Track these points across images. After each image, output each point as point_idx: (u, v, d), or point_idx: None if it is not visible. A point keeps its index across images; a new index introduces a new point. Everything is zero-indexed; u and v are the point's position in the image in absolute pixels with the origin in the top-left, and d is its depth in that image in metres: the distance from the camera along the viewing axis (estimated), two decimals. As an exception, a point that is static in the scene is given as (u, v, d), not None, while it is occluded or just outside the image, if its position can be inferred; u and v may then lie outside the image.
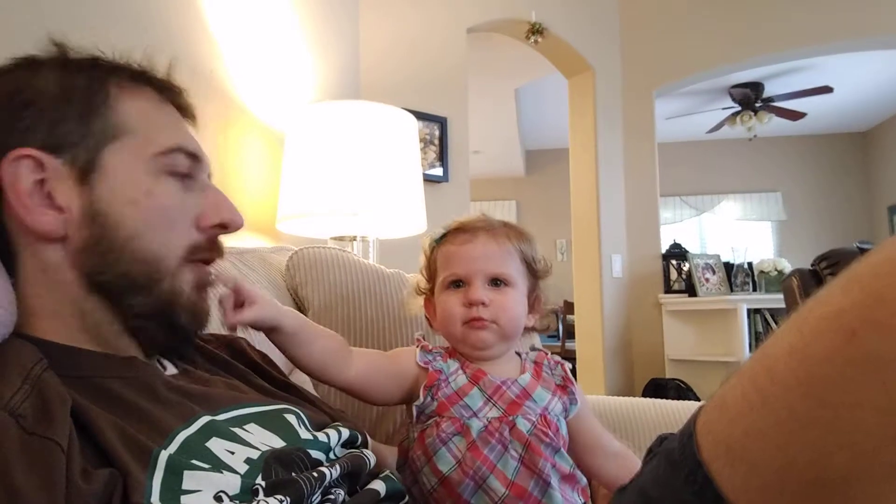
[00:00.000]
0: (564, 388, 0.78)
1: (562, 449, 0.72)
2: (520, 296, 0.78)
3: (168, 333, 0.59)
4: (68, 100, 0.55)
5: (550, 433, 0.72)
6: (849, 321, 0.36)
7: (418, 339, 0.81)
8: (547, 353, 0.83)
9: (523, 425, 0.71)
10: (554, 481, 0.69)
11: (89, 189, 0.54)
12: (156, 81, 0.61)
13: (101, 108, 0.56)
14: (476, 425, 0.70)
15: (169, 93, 0.62)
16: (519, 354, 0.83)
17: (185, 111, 0.64)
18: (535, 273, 0.81)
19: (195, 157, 0.61)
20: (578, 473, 0.74)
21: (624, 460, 0.80)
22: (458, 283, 0.78)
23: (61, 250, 0.54)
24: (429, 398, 0.74)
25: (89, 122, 0.55)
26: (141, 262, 0.55)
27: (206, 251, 0.61)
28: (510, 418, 0.71)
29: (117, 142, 0.56)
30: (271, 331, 0.70)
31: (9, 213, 0.54)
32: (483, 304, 0.75)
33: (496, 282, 0.77)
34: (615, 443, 0.82)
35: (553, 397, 0.76)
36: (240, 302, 0.67)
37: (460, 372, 0.76)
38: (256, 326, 0.69)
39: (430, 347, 0.79)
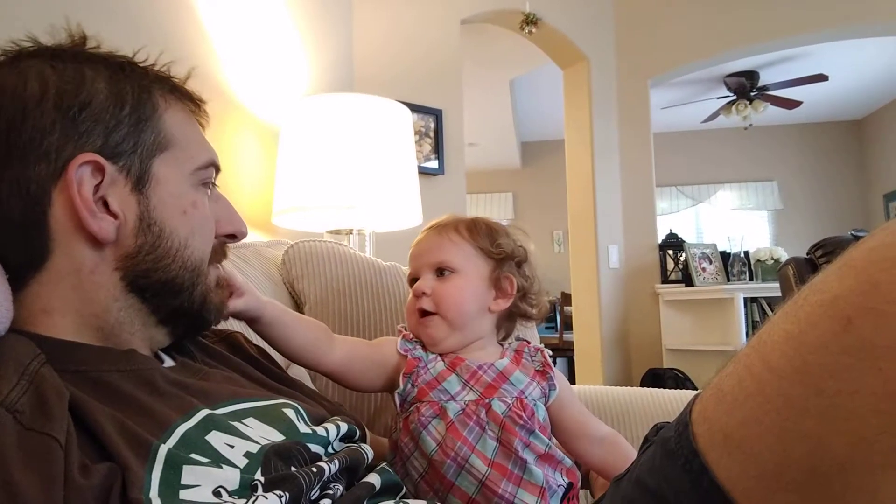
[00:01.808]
0: (543, 373, 0.80)
1: (536, 430, 0.73)
2: (466, 281, 0.80)
3: (190, 328, 0.64)
4: (121, 107, 0.57)
5: (525, 416, 0.73)
6: (844, 308, 0.36)
7: (400, 329, 0.83)
8: (528, 343, 0.85)
9: (498, 407, 0.73)
10: (530, 459, 0.71)
11: (144, 198, 0.57)
12: (188, 96, 0.65)
13: (152, 118, 0.59)
14: (453, 407, 0.72)
15: (197, 108, 0.66)
16: (501, 344, 0.85)
17: (204, 125, 0.68)
18: (492, 256, 0.82)
19: (218, 170, 0.66)
20: (559, 454, 0.75)
21: (612, 445, 0.81)
22: (416, 281, 0.83)
23: (103, 253, 0.55)
24: (409, 385, 0.76)
25: (140, 131, 0.58)
26: (189, 270, 0.60)
27: (219, 254, 0.66)
28: (486, 401, 0.73)
29: (164, 153, 0.59)
30: (253, 321, 0.74)
31: (61, 214, 0.54)
32: (425, 293, 0.79)
33: (441, 271, 0.80)
34: (602, 428, 0.83)
35: (531, 382, 0.78)
36: (229, 292, 0.70)
37: (439, 359, 0.78)
38: (242, 316, 0.72)
39: (411, 336, 0.81)
